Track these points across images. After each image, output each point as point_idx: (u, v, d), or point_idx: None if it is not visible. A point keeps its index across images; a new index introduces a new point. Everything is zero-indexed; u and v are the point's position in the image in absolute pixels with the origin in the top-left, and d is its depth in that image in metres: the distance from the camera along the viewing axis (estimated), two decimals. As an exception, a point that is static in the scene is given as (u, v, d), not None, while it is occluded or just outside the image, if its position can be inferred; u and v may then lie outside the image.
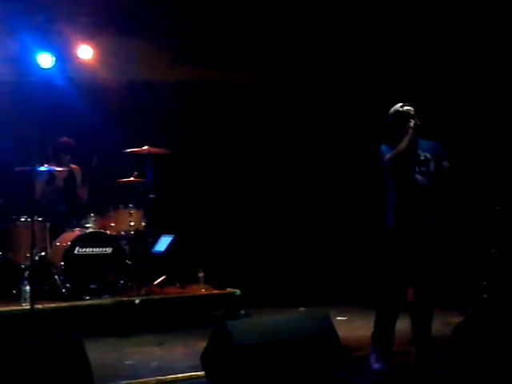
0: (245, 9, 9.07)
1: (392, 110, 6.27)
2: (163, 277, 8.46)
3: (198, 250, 9.40)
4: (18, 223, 7.89)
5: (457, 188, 6.71)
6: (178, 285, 8.54)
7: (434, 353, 6.14)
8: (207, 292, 8.37)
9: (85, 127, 8.91)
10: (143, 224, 8.53)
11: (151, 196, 8.52)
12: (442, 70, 9.45)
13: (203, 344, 5.58)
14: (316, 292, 9.28)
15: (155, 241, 8.60)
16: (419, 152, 6.16)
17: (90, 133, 8.87)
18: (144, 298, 7.90)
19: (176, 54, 9.72)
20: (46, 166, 7.99)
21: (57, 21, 8.72)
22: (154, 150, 8.53)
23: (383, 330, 6.12)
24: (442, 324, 7.47)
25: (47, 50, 8.82)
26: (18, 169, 7.69)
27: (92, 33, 9.07)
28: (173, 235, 8.64)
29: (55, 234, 8.08)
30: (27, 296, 7.29)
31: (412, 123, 6.05)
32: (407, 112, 6.16)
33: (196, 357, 5.67)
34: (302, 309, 8.45)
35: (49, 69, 8.90)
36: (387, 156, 6.10)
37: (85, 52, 9.12)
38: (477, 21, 8.90)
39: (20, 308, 7.24)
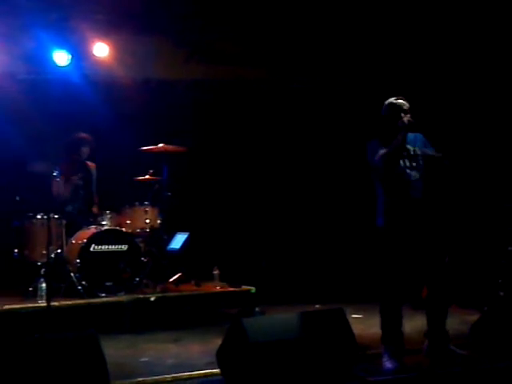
0: (259, 6, 9.04)
1: (386, 102, 6.24)
2: (178, 274, 8.48)
3: (213, 248, 9.41)
4: (35, 221, 7.92)
5: (453, 175, 6.64)
6: (193, 282, 8.55)
7: (449, 347, 6.11)
8: (222, 289, 8.37)
9: (101, 125, 8.92)
10: (159, 221, 8.54)
11: (167, 194, 8.54)
12: (447, 65, 9.42)
13: (218, 341, 5.59)
14: (331, 290, 9.26)
15: (170, 238, 8.62)
16: (408, 147, 6.12)
17: (106, 131, 8.89)
18: (159, 295, 7.92)
19: (191, 52, 9.71)
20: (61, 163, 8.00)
21: (73, 18, 8.73)
22: (169, 147, 8.54)
23: (390, 329, 6.10)
24: (459, 322, 7.45)
25: (63, 48, 8.84)
26: (33, 167, 7.71)
27: (108, 31, 9.08)
28: (188, 233, 8.65)
29: (71, 231, 8.11)
30: (43, 293, 7.32)
31: (405, 119, 6.02)
32: (400, 105, 6.13)
33: (211, 354, 5.69)
34: (318, 306, 8.43)
35: (65, 67, 8.91)
36: (380, 153, 6.03)
37: (101, 50, 9.13)
38: (477, 19, 8.86)
39: (36, 305, 7.27)
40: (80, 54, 9.05)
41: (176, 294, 8.14)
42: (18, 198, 8.04)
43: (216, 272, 8.52)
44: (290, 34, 9.63)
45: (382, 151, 6.03)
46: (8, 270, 8.18)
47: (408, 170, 6.08)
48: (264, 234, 9.98)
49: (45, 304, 6.86)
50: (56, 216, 7.84)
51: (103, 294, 7.73)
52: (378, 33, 9.46)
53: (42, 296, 7.36)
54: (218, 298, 8.43)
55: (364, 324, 7.43)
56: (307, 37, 9.69)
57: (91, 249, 7.80)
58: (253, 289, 8.23)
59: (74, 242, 7.97)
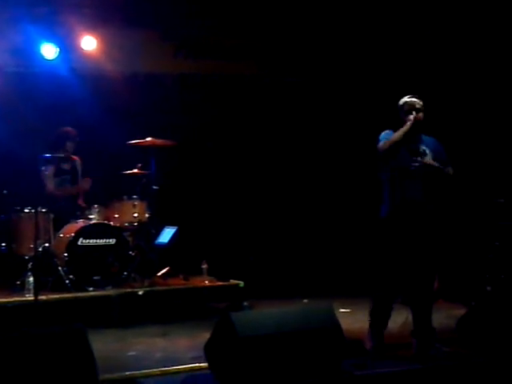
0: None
1: (401, 100, 6.33)
2: (167, 268, 8.47)
3: (202, 242, 9.41)
4: (22, 214, 7.90)
5: (454, 186, 6.69)
6: (181, 276, 8.55)
7: (435, 344, 6.14)
8: (211, 284, 8.38)
9: (88, 118, 8.90)
10: (147, 215, 8.53)
11: (155, 187, 8.53)
12: (448, 63, 9.45)
13: (207, 335, 5.59)
14: (319, 284, 9.29)
15: (159, 232, 8.60)
16: (419, 145, 6.22)
17: (93, 124, 8.87)
18: (147, 289, 7.92)
19: (179, 46, 9.71)
20: (50, 155, 7.98)
21: (61, 12, 8.71)
22: (157, 141, 8.53)
23: (379, 316, 6.29)
24: (445, 316, 7.49)
25: (51, 41, 8.83)
26: (24, 160, 7.69)
27: (96, 24, 9.06)
28: (176, 227, 8.64)
29: (59, 225, 8.09)
30: (31, 287, 7.31)
31: (412, 116, 6.11)
32: (411, 103, 6.22)
33: (199, 348, 5.68)
34: (306, 301, 8.45)
35: (52, 60, 8.91)
36: (380, 144, 6.15)
37: (88, 43, 9.12)
38: (479, 17, 8.89)
39: (24, 299, 7.25)
40: (68, 47, 9.04)
41: (164, 288, 8.14)
42: (5, 192, 8.02)
43: (204, 266, 8.52)
44: (280, 28, 9.64)
45: (382, 143, 6.16)
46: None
47: (413, 166, 6.14)
48: (252, 229, 9.98)
49: (32, 298, 6.86)
50: (43, 210, 7.82)
51: (91, 288, 7.72)
52: (370, 27, 9.48)
53: (29, 290, 7.34)
54: (206, 292, 8.43)
55: (352, 318, 7.44)
56: (297, 30, 9.70)
57: (79, 243, 7.79)
58: (241, 283, 8.24)
59: (61, 235, 7.95)
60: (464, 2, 8.67)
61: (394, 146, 6.09)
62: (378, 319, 6.30)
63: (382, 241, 6.26)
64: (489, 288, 7.77)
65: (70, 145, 8.59)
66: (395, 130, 6.19)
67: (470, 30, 8.97)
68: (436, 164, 6.18)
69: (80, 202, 8.60)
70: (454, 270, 8.82)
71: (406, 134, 6.08)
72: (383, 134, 6.26)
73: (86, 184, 8.66)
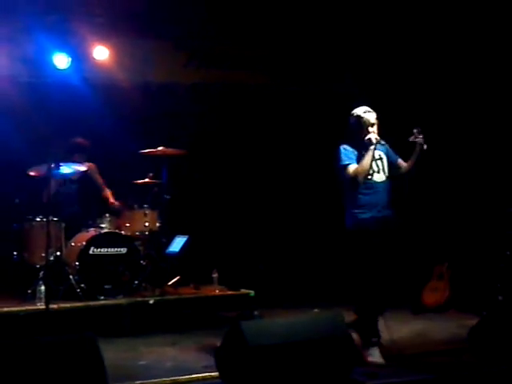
0: (258, 10, 9.06)
1: (354, 112, 6.51)
2: (177, 277, 8.47)
3: (212, 251, 9.41)
4: (34, 223, 7.92)
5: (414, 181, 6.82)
6: (192, 285, 8.55)
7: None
8: (221, 293, 8.37)
9: (100, 128, 8.93)
10: (158, 225, 8.55)
11: (166, 197, 8.54)
12: (444, 69, 9.47)
13: (217, 344, 5.60)
14: (330, 293, 9.26)
15: (169, 241, 8.61)
16: (376, 152, 6.40)
17: (105, 133, 8.90)
18: (158, 298, 7.92)
19: (191, 56, 9.73)
20: (61, 166, 7.98)
21: (73, 21, 8.74)
22: (168, 151, 8.55)
23: (368, 326, 6.37)
24: (457, 326, 7.47)
25: (63, 51, 8.85)
26: (31, 170, 7.71)
27: (108, 34, 9.09)
28: (187, 236, 8.65)
29: (70, 234, 8.11)
30: (42, 296, 7.32)
31: (373, 138, 6.30)
32: (367, 120, 6.41)
33: (210, 357, 5.70)
34: (316, 310, 8.43)
35: (65, 69, 8.92)
36: (351, 170, 6.34)
37: (101, 53, 9.14)
38: (477, 21, 8.90)
39: (35, 308, 7.27)
40: (80, 56, 9.06)
41: (175, 297, 8.14)
42: (17, 201, 8.05)
43: (215, 275, 8.52)
44: (290, 38, 9.65)
45: (353, 167, 6.34)
46: (7, 273, 8.17)
47: (376, 174, 6.38)
48: (263, 238, 9.98)
49: (44, 306, 6.87)
50: (55, 219, 7.84)
51: (102, 297, 7.73)
52: (378, 37, 9.48)
53: (40, 298, 7.36)
54: (216, 301, 8.43)
55: (362, 328, 7.40)
56: (307, 41, 9.72)
57: (90, 251, 7.80)
58: (251, 292, 8.23)
59: (73, 244, 7.97)
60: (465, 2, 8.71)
61: (366, 172, 6.32)
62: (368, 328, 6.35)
63: (353, 252, 6.44)
64: (500, 297, 7.76)
65: (78, 156, 8.59)
66: (349, 141, 6.44)
67: (470, 37, 9.00)
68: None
69: (110, 199, 8.63)
70: (466, 279, 8.80)
71: (372, 155, 6.31)
72: (343, 151, 6.44)
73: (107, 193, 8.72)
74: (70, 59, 8.88)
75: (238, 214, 9.98)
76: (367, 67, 9.97)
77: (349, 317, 6.19)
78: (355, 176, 6.32)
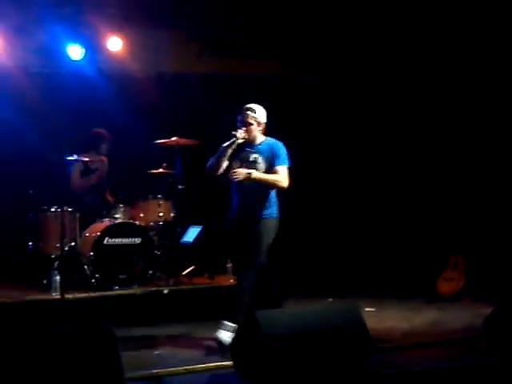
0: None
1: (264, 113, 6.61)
2: (192, 267, 8.49)
3: (227, 241, 9.40)
4: (49, 213, 7.96)
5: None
6: (206, 275, 8.57)
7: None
8: (235, 282, 8.36)
9: (114, 118, 8.94)
10: (172, 215, 8.56)
11: (180, 187, 8.55)
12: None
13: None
14: (345, 283, 9.26)
15: (184, 231, 8.63)
16: (249, 154, 6.40)
17: (119, 124, 8.91)
18: (172, 288, 7.94)
19: (204, 46, 9.71)
20: (75, 156, 8.01)
21: (86, 12, 8.76)
22: (182, 141, 8.55)
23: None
24: (472, 315, 7.44)
25: (77, 42, 8.87)
26: (50, 159, 7.73)
27: (121, 24, 9.10)
28: (201, 226, 8.66)
29: (85, 224, 8.14)
30: (57, 286, 7.37)
31: (237, 135, 6.38)
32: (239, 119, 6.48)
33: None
34: (331, 300, 8.42)
35: (79, 60, 8.95)
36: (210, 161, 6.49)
37: (114, 44, 9.15)
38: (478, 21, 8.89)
39: (50, 297, 7.31)
40: (94, 47, 9.08)
41: (189, 286, 8.16)
42: (31, 192, 8.08)
43: (229, 265, 8.52)
44: (303, 27, 9.62)
45: (211, 159, 6.47)
46: (23, 263, 8.23)
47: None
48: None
49: (59, 296, 6.92)
50: (70, 209, 7.87)
51: (116, 287, 7.76)
52: (393, 25, 9.44)
53: (56, 288, 7.40)
54: (231, 291, 8.42)
55: (377, 317, 7.41)
56: (320, 30, 9.68)
57: (105, 242, 7.83)
58: (266, 282, 8.22)
59: (87, 234, 8.00)
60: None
61: (216, 170, 6.45)
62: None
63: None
64: (516, 286, 7.73)
65: (104, 147, 8.66)
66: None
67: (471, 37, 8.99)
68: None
69: (107, 196, 8.65)
70: (481, 268, 8.77)
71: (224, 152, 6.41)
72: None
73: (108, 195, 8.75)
74: (83, 50, 8.90)
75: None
76: (387, 59, 9.94)
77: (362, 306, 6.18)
78: (209, 167, 6.50)
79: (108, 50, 9.19)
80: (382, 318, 7.47)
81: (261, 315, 5.32)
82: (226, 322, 6.23)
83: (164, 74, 9.74)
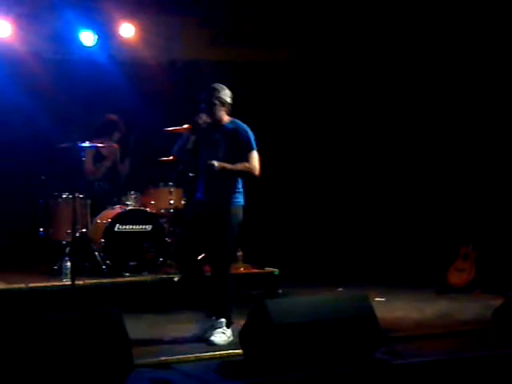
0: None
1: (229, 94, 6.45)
2: (202, 255, 8.48)
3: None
4: (60, 200, 7.98)
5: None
6: (216, 263, 8.55)
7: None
8: (246, 271, 8.38)
9: (126, 105, 8.94)
10: (183, 202, 8.56)
11: (191, 174, 8.54)
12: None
13: (241, 322, 5.63)
14: (354, 272, 9.26)
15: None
16: (212, 135, 6.25)
17: (131, 111, 8.91)
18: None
19: (217, 33, 9.69)
20: (89, 142, 8.01)
21: (99, -1, 8.76)
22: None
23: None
24: (482, 307, 7.44)
25: (89, 28, 8.86)
26: (61, 145, 7.73)
27: (134, 11, 9.08)
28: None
29: (96, 211, 8.15)
30: (68, 272, 7.39)
31: (201, 120, 6.25)
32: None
33: (234, 335, 5.71)
34: (341, 289, 8.43)
35: (91, 47, 8.94)
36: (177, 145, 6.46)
37: (127, 30, 9.13)
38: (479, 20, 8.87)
39: (61, 284, 7.33)
40: (106, 34, 9.06)
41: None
42: (43, 178, 8.10)
43: (240, 253, 8.52)
44: (317, 15, 9.59)
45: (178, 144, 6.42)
46: (34, 249, 8.26)
47: (207, 159, 6.15)
48: (288, 216, 9.98)
49: (69, 282, 6.93)
50: (81, 195, 7.88)
51: (127, 274, 7.77)
52: (393, 19, 9.43)
53: (66, 275, 7.43)
54: (241, 279, 8.39)
55: (387, 307, 7.42)
56: (334, 18, 9.64)
57: (116, 228, 7.84)
58: (276, 270, 8.23)
59: (98, 221, 8.01)
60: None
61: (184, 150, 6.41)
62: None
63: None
64: (526, 278, 7.72)
65: (117, 134, 8.67)
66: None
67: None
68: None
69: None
70: (491, 260, 8.76)
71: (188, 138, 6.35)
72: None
73: (123, 169, 8.74)
74: (96, 36, 8.89)
75: (262, 192, 9.96)
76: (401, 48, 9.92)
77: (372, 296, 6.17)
78: (177, 151, 6.53)
79: (120, 36, 9.17)
80: (391, 308, 7.48)
81: (271, 304, 5.33)
82: (220, 320, 6.18)
83: (176, 61, 9.72)
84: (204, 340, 6.08)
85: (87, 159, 8.30)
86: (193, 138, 6.33)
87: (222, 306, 6.25)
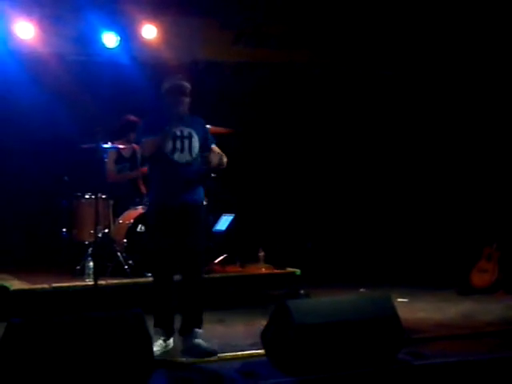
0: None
1: (168, 81, 6.13)
2: (224, 255, 8.50)
3: (259, 230, 9.42)
4: (83, 200, 8.02)
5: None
6: (238, 263, 8.57)
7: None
8: (267, 271, 8.38)
9: (149, 106, 8.95)
10: (204, 203, 8.55)
11: (212, 175, 8.55)
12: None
13: (263, 322, 5.61)
14: (377, 273, 9.23)
15: (216, 220, 8.63)
16: (183, 128, 5.96)
17: (153, 111, 8.93)
18: (205, 276, 7.93)
19: (238, 34, 9.70)
20: (111, 144, 8.05)
21: (121, 0, 8.78)
22: (216, 129, 8.53)
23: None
24: (506, 308, 7.41)
25: (112, 30, 8.90)
26: (84, 146, 7.77)
27: (156, 12, 9.11)
28: (233, 214, 8.67)
29: (118, 211, 8.18)
30: (91, 272, 7.42)
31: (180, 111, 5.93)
32: (179, 87, 6.04)
33: (256, 335, 5.71)
34: (363, 290, 8.41)
35: (113, 48, 8.98)
36: (144, 141, 5.94)
37: (149, 32, 9.16)
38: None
39: (84, 284, 7.37)
40: (128, 35, 9.10)
41: (221, 275, 8.16)
42: (66, 178, 8.14)
43: (261, 253, 8.53)
44: (336, 15, 9.57)
45: (147, 140, 5.92)
46: (57, 249, 8.31)
47: (175, 153, 5.89)
48: (310, 216, 9.97)
49: (92, 283, 6.95)
50: (103, 196, 7.91)
51: (149, 274, 7.78)
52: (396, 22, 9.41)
53: (89, 275, 7.46)
54: (262, 279, 8.43)
55: (410, 308, 7.39)
56: (355, 20, 9.63)
57: (138, 229, 7.85)
58: (298, 271, 8.23)
59: (121, 222, 8.04)
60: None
61: (160, 145, 5.90)
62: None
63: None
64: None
65: (133, 135, 8.66)
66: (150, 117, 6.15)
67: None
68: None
69: (141, 186, 8.67)
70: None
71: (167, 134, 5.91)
72: (143, 125, 6.13)
73: (145, 169, 8.75)
74: (118, 38, 8.93)
75: (285, 192, 9.98)
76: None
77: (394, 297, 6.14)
78: (146, 148, 6.01)
79: (142, 37, 9.20)
80: (414, 309, 7.45)
81: (293, 304, 5.33)
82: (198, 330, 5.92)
83: (198, 62, 9.74)
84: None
85: (109, 160, 8.33)
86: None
87: (200, 313, 6.01)
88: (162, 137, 5.86)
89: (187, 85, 6.08)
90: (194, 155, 5.98)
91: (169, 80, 6.14)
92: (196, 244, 5.97)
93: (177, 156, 5.90)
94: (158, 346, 5.73)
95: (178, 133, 5.93)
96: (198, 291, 6.00)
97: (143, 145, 6.04)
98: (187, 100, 6.07)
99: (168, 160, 5.88)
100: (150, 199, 6.25)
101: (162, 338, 5.88)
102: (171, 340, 5.98)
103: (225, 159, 6.12)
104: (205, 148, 6.09)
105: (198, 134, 6.04)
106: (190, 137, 5.98)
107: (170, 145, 5.88)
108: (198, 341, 5.82)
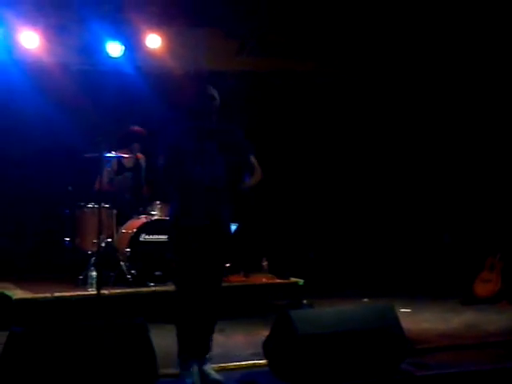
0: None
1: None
2: (227, 265, 8.49)
3: (262, 239, 9.42)
4: (86, 210, 8.01)
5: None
6: (241, 273, 8.56)
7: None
8: (270, 281, 8.37)
9: (153, 116, 8.98)
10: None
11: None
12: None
13: (265, 332, 5.61)
14: (380, 283, 9.22)
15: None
16: (202, 141, 5.49)
17: (157, 121, 8.94)
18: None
19: (242, 44, 9.72)
20: (113, 153, 8.07)
21: (126, 10, 8.80)
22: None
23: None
24: (509, 318, 7.42)
25: (116, 39, 8.91)
26: (87, 155, 7.77)
27: (160, 22, 9.13)
28: (237, 224, 8.66)
29: (121, 220, 8.19)
30: (93, 281, 7.42)
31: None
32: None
33: (258, 345, 5.71)
34: (366, 300, 8.39)
35: (118, 58, 8.99)
36: (160, 162, 5.39)
37: (153, 41, 9.17)
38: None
39: (86, 293, 7.37)
40: (133, 45, 9.11)
41: (224, 284, 8.12)
42: (70, 188, 8.14)
43: (265, 263, 8.53)
44: (340, 25, 9.58)
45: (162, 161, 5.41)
46: (59, 258, 8.32)
47: (197, 169, 5.42)
48: (313, 226, 9.96)
49: (95, 292, 6.96)
50: (106, 205, 7.92)
51: (152, 284, 7.79)
52: (394, 25, 9.43)
53: (92, 284, 7.46)
54: (265, 289, 8.43)
55: (413, 318, 7.39)
56: (358, 29, 9.64)
57: (141, 238, 7.86)
58: (301, 281, 8.22)
59: (124, 231, 8.04)
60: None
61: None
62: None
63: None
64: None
65: (136, 146, 8.66)
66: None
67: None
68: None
69: (144, 191, 8.66)
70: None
71: None
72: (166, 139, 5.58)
73: (145, 191, 8.73)
74: (123, 47, 8.94)
75: (288, 203, 9.97)
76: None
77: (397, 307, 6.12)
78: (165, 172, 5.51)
79: (147, 47, 9.21)
80: (417, 319, 7.44)
81: (295, 314, 5.33)
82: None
83: (202, 72, 9.75)
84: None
85: (108, 170, 8.32)
86: None
87: (211, 336, 5.60)
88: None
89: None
90: (215, 172, 5.52)
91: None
92: (218, 268, 5.78)
93: (198, 174, 5.41)
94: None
95: (203, 147, 5.46)
96: (213, 315, 5.68)
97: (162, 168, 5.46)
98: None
99: (188, 178, 5.42)
100: (169, 218, 5.69)
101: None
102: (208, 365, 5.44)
103: (259, 175, 5.89)
104: (238, 160, 5.73)
105: (222, 147, 5.58)
106: (210, 151, 5.49)
107: (190, 162, 5.39)
108: (209, 370, 5.42)
